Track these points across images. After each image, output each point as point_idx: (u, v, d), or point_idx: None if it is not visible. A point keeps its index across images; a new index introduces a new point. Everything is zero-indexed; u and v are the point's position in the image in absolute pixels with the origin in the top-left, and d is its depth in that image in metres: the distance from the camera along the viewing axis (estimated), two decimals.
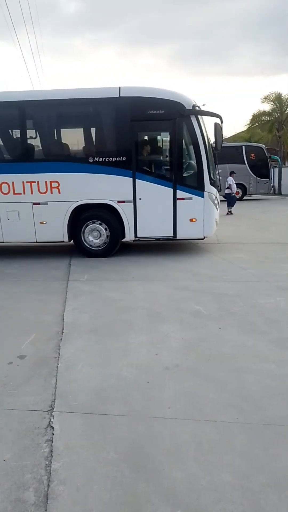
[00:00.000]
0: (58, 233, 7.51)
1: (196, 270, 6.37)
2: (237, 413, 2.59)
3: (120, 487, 2.00)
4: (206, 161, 7.14)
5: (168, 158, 7.53)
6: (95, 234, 7.60)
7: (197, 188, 7.19)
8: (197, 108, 7.20)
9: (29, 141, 7.53)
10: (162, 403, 2.71)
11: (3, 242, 7.73)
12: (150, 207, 7.26)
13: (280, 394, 2.80)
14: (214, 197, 7.41)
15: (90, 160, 7.31)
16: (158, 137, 7.87)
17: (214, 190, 7.42)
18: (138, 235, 7.46)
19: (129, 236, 7.46)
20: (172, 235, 7.39)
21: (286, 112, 26.43)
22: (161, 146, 7.89)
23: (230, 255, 7.44)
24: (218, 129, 7.28)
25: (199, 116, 7.15)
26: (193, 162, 7.21)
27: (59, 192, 7.31)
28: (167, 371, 3.15)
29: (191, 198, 7.20)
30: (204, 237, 7.56)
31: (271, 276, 5.91)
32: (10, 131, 7.78)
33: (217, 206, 7.66)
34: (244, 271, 6.27)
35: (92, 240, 7.61)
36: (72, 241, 7.72)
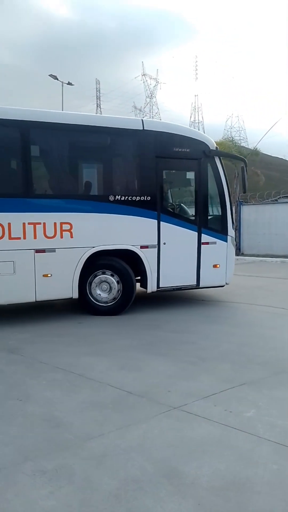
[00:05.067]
0: (66, 287, 5.91)
1: None
2: None
3: None
4: (229, 204, 6.83)
5: (193, 200, 6.95)
6: (103, 287, 6.21)
7: (222, 232, 6.78)
8: (218, 150, 6.94)
9: (33, 172, 5.81)
10: None
11: None
12: (173, 253, 6.42)
13: None
14: (235, 241, 6.96)
15: (111, 198, 6.06)
16: (183, 177, 7.38)
17: (233, 234, 7.10)
18: (160, 286, 6.42)
19: (151, 287, 6.37)
20: (195, 283, 6.67)
21: None
22: (186, 186, 7.51)
23: None
24: (244, 172, 7.28)
25: (221, 158, 6.86)
26: (218, 204, 6.85)
27: (71, 237, 5.86)
28: None
29: (215, 243, 6.70)
30: (225, 284, 6.92)
31: None
32: (8, 157, 6.02)
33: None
34: None
35: (100, 294, 6.20)
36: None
